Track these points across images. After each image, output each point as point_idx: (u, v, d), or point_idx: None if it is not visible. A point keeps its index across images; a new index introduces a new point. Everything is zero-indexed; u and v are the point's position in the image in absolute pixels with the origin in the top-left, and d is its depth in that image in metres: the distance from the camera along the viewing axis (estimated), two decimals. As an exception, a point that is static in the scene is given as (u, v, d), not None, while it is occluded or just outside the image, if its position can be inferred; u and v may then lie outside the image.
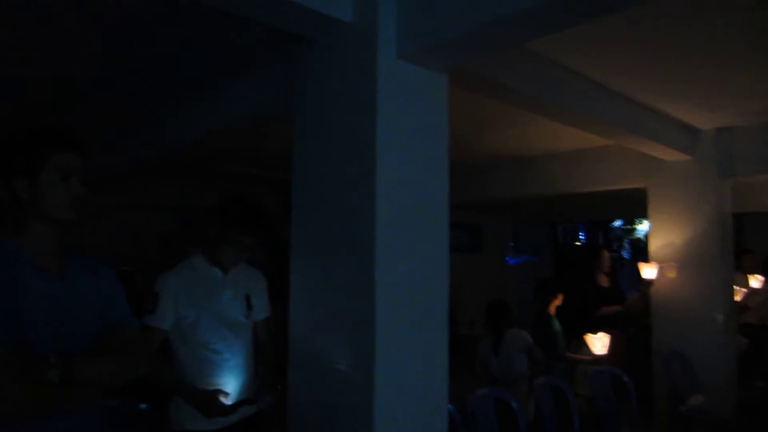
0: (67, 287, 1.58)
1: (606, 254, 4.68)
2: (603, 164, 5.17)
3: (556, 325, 4.25)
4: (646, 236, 13.41)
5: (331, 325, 2.14)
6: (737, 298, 4.80)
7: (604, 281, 4.68)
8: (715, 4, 2.43)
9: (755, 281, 5.38)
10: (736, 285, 4.78)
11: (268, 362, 2.39)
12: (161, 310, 2.14)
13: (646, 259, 4.70)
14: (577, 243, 13.09)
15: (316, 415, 2.19)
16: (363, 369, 1.96)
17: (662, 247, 4.65)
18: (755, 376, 4.91)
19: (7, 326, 1.40)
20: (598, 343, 3.74)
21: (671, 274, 4.56)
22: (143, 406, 2.55)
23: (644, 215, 11.38)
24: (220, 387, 2.16)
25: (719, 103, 3.92)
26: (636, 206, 8.48)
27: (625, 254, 12.51)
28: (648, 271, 4.45)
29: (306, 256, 2.29)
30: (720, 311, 4.36)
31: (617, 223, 12.73)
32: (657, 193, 4.73)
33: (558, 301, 4.32)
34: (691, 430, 4.09)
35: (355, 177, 2.03)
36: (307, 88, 2.34)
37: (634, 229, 13.01)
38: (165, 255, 5.41)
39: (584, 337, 3.95)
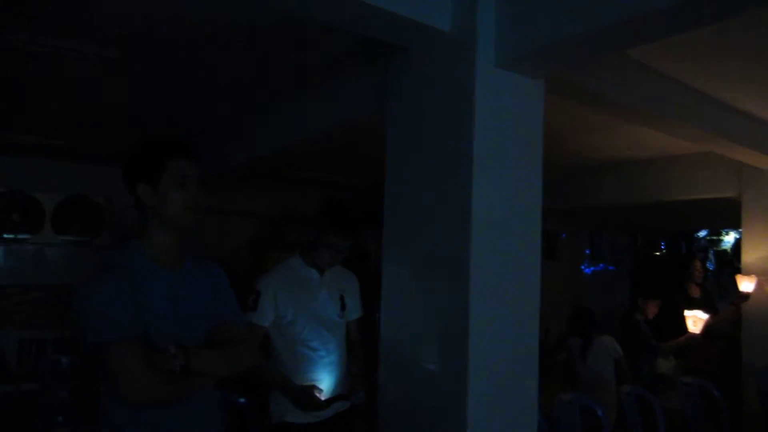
0: (184, 284, 1.72)
1: (698, 264, 4.50)
2: (694, 172, 4.96)
3: (647, 330, 4.14)
4: (733, 248, 12.64)
5: (423, 327, 2.20)
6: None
7: (695, 292, 4.49)
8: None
9: None
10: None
11: (360, 360, 2.48)
12: (262, 308, 2.27)
13: (732, 271, 4.51)
14: (658, 253, 12.52)
15: (407, 414, 2.25)
16: (456, 370, 2.00)
17: (758, 259, 4.42)
18: None
19: (134, 319, 1.54)
20: (700, 323, 3.72)
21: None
22: (241, 400, 2.69)
23: (730, 225, 10.69)
24: (315, 383, 2.26)
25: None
26: (722, 216, 8.06)
27: (710, 265, 11.84)
28: (746, 284, 4.24)
29: (399, 258, 2.37)
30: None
31: (702, 233, 12.09)
32: (752, 202, 4.50)
33: (655, 308, 4.18)
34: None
35: (450, 183, 2.09)
36: (400, 96, 2.41)
37: (720, 240, 12.32)
38: (251, 259, 5.67)
39: (684, 313, 3.96)
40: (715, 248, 12.14)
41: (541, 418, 2.56)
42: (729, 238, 12.55)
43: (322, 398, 2.26)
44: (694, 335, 3.84)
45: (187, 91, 3.76)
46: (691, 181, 4.98)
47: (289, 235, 6.43)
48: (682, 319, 4.33)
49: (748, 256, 4.48)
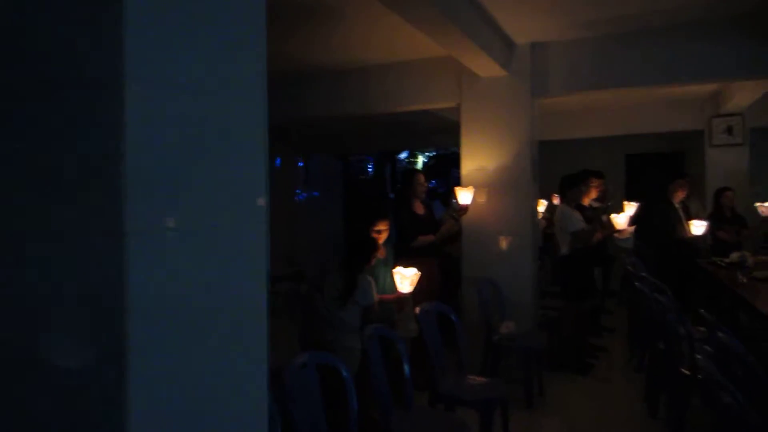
0: None
1: (421, 178, 4.16)
2: (417, 80, 4.62)
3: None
4: (424, 168, 13.77)
5: (42, 295, 1.12)
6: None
7: (419, 209, 4.19)
8: None
9: (539, 205, 5.50)
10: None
11: None
12: None
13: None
14: (363, 177, 12.93)
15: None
16: (109, 361, 1.01)
17: (474, 170, 4.33)
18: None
19: None
20: (406, 281, 3.19)
21: (482, 199, 4.29)
22: None
23: (425, 146, 11.47)
24: None
25: (535, 12, 3.62)
26: (419, 136, 8.37)
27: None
28: (464, 196, 4.07)
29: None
30: (529, 235, 4.22)
31: (402, 155, 12.85)
32: (470, 111, 4.35)
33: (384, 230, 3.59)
34: (502, 359, 3.93)
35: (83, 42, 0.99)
36: None
37: (416, 162, 13.32)
38: None
39: (393, 271, 3.38)
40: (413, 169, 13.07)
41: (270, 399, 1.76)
42: (420, 160, 13.66)
43: None
44: (403, 295, 3.24)
45: None
46: (413, 90, 4.65)
47: None
48: (409, 236, 4.03)
49: (466, 167, 4.37)
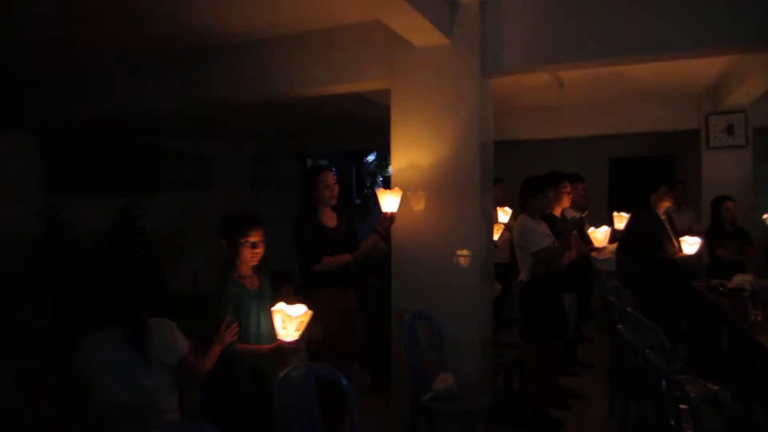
0: None
1: (329, 177, 3.08)
2: (335, 53, 3.58)
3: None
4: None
5: None
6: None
7: (329, 219, 3.13)
8: None
9: (504, 214, 4.49)
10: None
11: None
12: None
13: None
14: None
15: None
16: None
17: (407, 169, 3.30)
18: (502, 326, 4.02)
19: None
20: (291, 324, 2.14)
21: (419, 207, 3.27)
22: None
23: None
24: None
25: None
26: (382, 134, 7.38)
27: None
28: (390, 202, 3.04)
29: None
30: (481, 253, 3.20)
31: (370, 157, 11.79)
32: (402, 92, 3.33)
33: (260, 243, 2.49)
34: (438, 425, 2.89)
35: None
36: None
37: (387, 165, 12.30)
38: None
39: (272, 310, 2.32)
40: (383, 174, 12.00)
41: None
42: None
43: None
44: (285, 345, 2.23)
45: None
46: (341, 66, 3.59)
47: None
48: (310, 257, 2.98)
49: (396, 165, 3.35)
